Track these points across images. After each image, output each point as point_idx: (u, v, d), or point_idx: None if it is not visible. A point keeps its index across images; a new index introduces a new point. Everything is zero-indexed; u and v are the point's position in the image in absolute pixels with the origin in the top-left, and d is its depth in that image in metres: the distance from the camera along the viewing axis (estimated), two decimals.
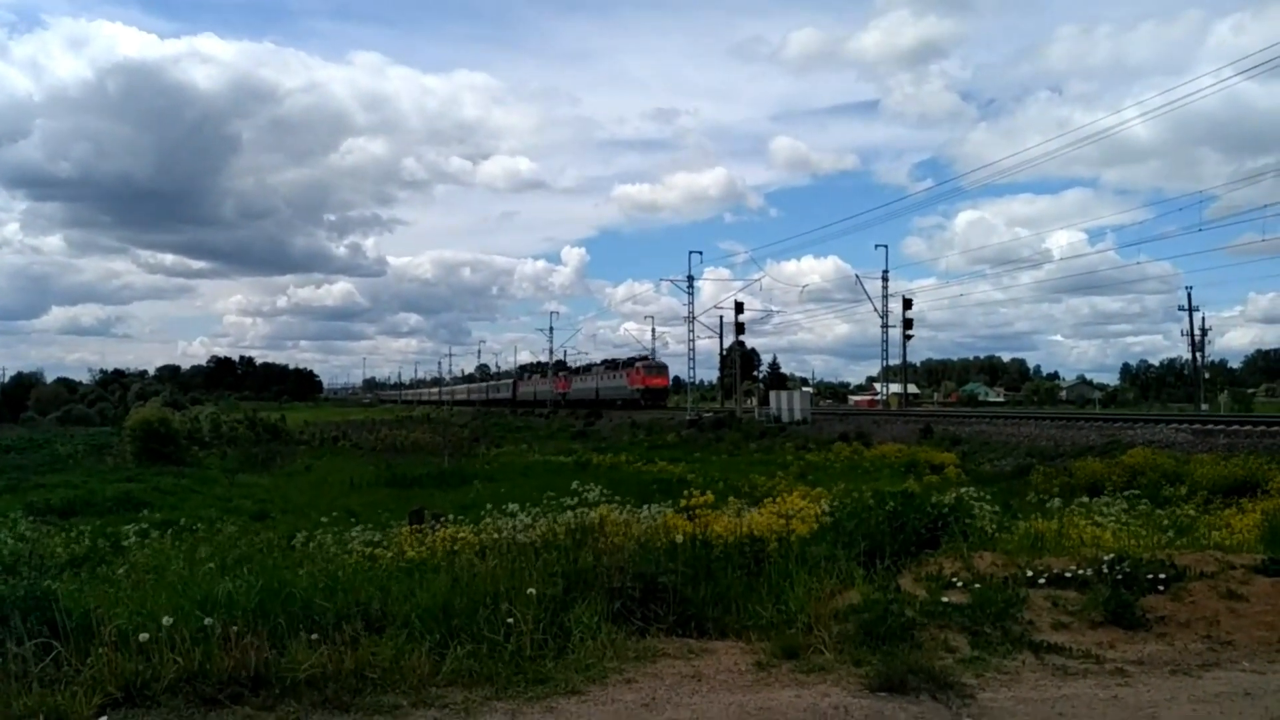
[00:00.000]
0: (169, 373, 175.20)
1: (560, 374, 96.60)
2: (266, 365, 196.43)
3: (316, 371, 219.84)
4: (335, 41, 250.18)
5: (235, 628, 5.18)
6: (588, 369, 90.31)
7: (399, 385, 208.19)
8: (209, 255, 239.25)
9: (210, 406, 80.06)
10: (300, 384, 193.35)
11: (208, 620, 5.23)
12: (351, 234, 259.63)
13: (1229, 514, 12.64)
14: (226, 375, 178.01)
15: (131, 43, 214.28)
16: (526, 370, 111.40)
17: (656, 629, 6.11)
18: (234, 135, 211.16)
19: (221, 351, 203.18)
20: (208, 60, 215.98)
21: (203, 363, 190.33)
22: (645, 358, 75.99)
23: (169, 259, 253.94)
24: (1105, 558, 6.78)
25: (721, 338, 71.72)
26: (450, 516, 10.84)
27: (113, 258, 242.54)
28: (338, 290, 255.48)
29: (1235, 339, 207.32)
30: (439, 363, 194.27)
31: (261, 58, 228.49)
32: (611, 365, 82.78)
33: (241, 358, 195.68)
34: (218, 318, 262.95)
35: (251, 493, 26.70)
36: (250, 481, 30.85)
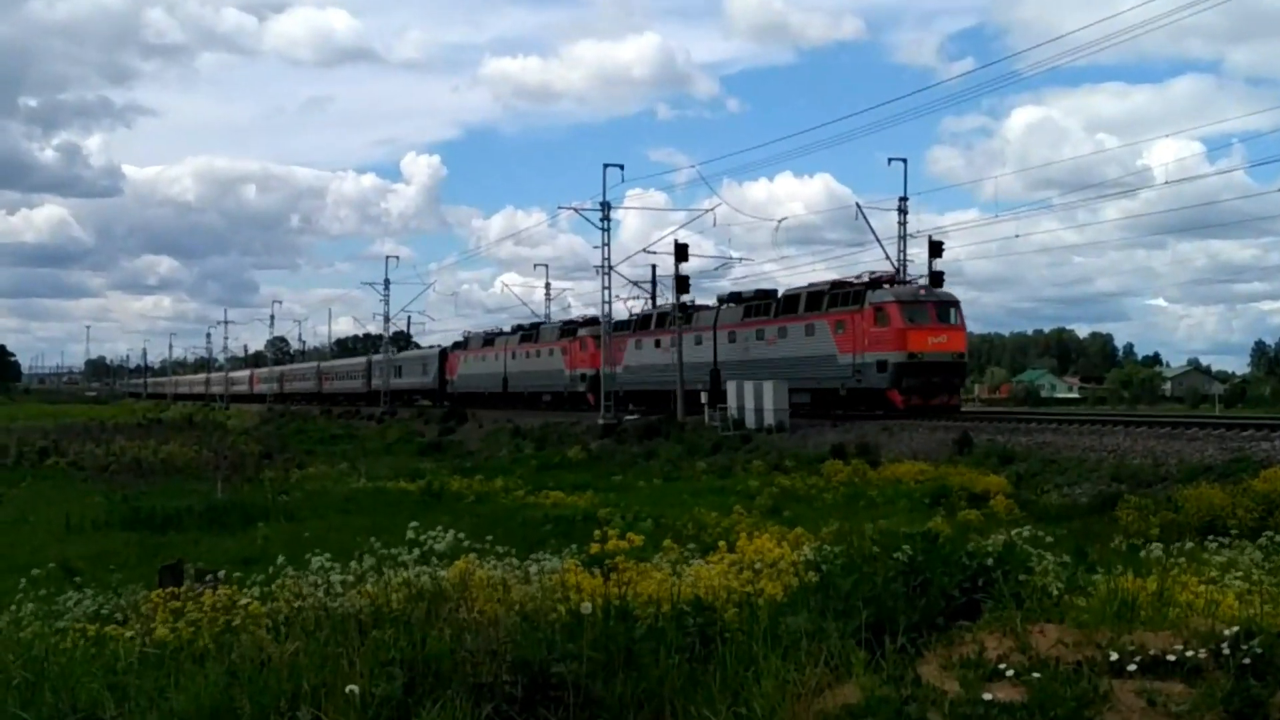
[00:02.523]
0: None
1: (588, 331, 71.69)
2: None
3: (10, 346, 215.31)
4: None
5: None
6: (699, 309, 63.61)
7: (144, 369, 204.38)
8: None
9: None
10: None
11: None
12: (65, 129, 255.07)
13: None
14: None
15: None
16: (479, 334, 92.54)
17: None
18: None
19: None
20: None
21: None
22: (893, 278, 52.52)
23: None
24: (1226, 633, 6.94)
25: (654, 297, 71.79)
26: (222, 574, 10.71)
27: None
28: (43, 218, 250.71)
29: None
30: (208, 333, 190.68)
31: None
32: (783, 303, 55.42)
33: None
34: None
35: None
36: None
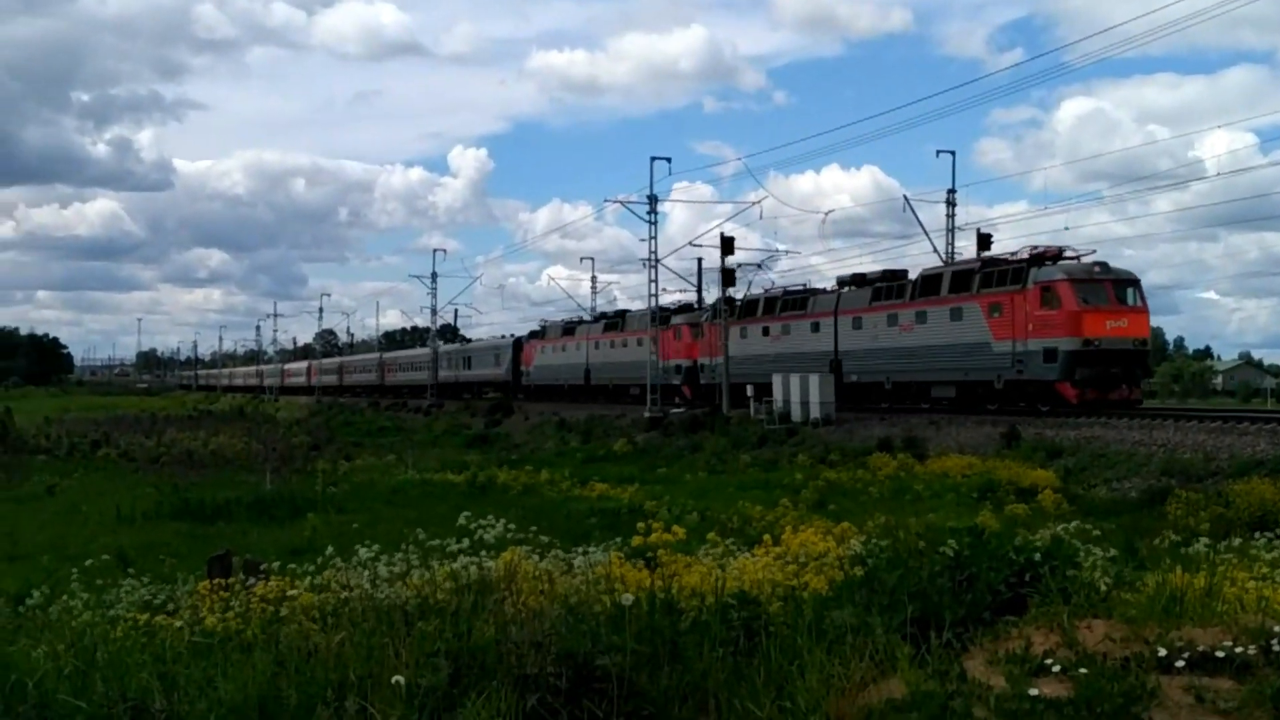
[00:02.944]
0: None
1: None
2: None
3: (62, 339, 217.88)
4: None
5: None
6: (815, 293, 57.96)
7: (195, 361, 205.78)
8: None
9: None
10: (39, 358, 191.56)
11: None
12: (116, 124, 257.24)
13: None
14: None
15: None
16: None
17: None
18: None
19: None
20: None
21: None
22: (1059, 253, 43.93)
23: None
24: (1276, 629, 6.89)
25: (700, 290, 71.75)
26: (277, 565, 10.81)
27: None
28: (95, 212, 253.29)
29: None
30: (257, 326, 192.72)
31: None
32: (921, 284, 49.31)
33: None
34: None
35: None
36: None
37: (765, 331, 58.66)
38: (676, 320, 67.21)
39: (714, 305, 64.68)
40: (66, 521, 28.11)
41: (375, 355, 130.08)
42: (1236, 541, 12.64)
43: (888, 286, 51.21)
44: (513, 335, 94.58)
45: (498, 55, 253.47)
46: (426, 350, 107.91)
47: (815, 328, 54.77)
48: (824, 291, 57.03)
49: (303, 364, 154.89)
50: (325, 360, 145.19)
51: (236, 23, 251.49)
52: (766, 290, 63.14)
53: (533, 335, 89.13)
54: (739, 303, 62.57)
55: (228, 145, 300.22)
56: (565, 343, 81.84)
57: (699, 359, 64.36)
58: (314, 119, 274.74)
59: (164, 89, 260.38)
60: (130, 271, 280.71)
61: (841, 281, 55.28)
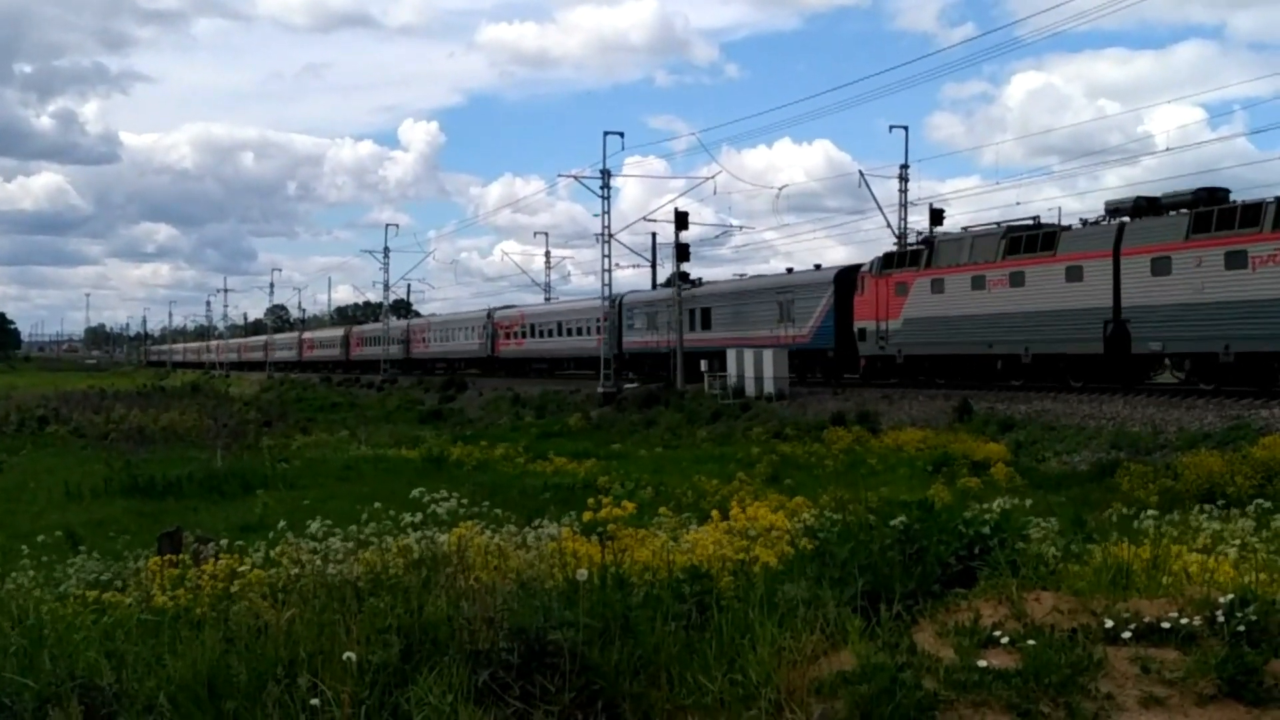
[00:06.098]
0: None
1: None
2: None
3: (9, 314, 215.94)
4: None
5: None
6: None
7: (144, 337, 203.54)
8: None
9: None
10: None
11: None
12: (61, 96, 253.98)
13: None
14: None
15: None
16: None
17: (545, 711, 6.14)
18: None
19: None
20: None
21: None
22: None
23: None
24: (1221, 600, 6.95)
25: (654, 265, 71.29)
26: (225, 542, 10.75)
27: None
28: (40, 185, 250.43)
29: None
30: (208, 301, 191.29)
31: None
32: None
33: None
34: None
35: None
36: None
37: None
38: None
39: None
40: (14, 498, 27.93)
41: (481, 312, 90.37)
42: (1192, 512, 12.80)
43: None
44: (836, 267, 53.94)
45: (448, 27, 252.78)
46: (593, 305, 68.39)
47: None
48: None
49: (336, 332, 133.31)
50: (368, 325, 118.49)
51: None
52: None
53: (889, 264, 47.33)
54: None
55: (175, 118, 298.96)
56: (1014, 268, 39.92)
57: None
58: (262, 91, 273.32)
59: (109, 61, 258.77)
60: (77, 246, 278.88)
61: None
